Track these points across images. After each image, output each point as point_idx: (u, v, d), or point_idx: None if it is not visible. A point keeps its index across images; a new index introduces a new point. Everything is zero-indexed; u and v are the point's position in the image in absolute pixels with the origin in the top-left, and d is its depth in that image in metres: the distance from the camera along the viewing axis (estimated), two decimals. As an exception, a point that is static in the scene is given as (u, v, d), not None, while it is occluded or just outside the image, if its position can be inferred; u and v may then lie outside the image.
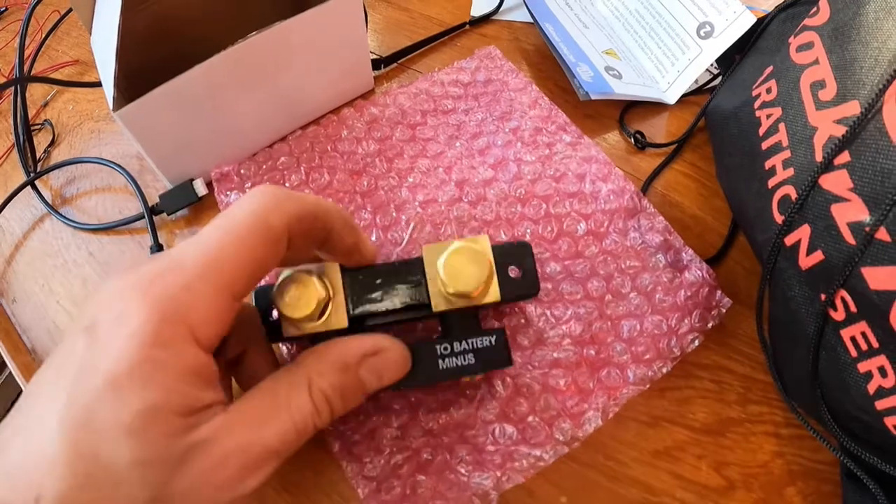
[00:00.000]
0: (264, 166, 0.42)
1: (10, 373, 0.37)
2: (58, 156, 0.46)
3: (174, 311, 0.21)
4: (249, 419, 0.23)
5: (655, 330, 0.35)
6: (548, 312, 0.36)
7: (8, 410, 0.22)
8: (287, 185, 0.41)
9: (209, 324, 0.22)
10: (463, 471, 0.31)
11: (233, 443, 0.22)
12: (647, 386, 0.34)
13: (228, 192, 0.41)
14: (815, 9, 0.31)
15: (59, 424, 0.20)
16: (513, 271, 0.31)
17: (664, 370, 0.34)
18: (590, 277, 0.37)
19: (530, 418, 0.33)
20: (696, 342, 0.35)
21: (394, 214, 0.40)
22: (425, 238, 0.39)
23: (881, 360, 0.25)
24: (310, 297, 0.27)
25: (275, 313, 0.29)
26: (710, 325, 0.35)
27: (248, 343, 0.28)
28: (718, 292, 0.36)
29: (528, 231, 0.39)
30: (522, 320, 0.36)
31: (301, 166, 0.42)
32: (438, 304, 0.29)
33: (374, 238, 0.39)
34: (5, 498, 0.19)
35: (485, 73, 0.47)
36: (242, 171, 0.42)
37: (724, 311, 0.36)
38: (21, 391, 0.37)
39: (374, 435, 0.32)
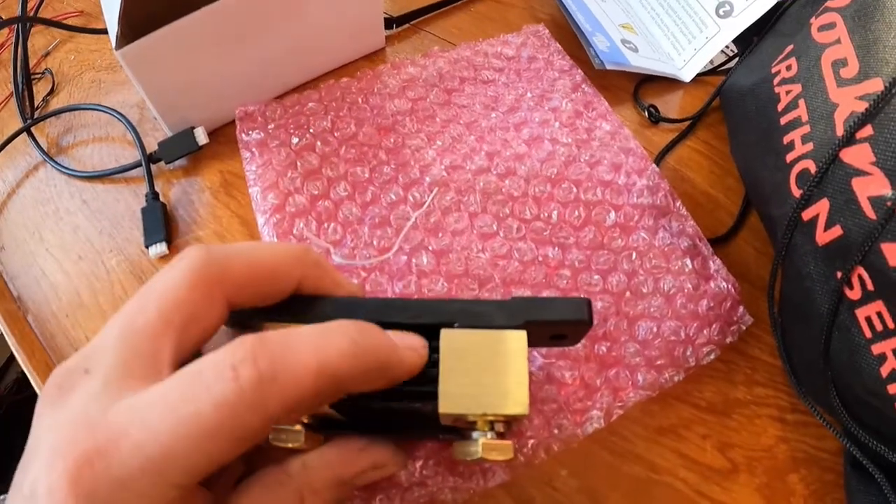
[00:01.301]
0: (290, 110, 0.41)
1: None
2: (56, 104, 0.45)
3: None
4: None
5: (672, 336, 0.34)
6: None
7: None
8: (311, 129, 0.40)
9: None
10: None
11: None
12: (656, 393, 0.33)
13: (250, 132, 0.40)
14: (836, -9, 0.31)
15: None
16: (554, 342, 0.26)
17: (675, 379, 0.33)
18: (611, 271, 0.36)
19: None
20: (713, 355, 0.34)
21: (417, 174, 0.39)
22: (447, 205, 0.37)
23: (896, 341, 0.24)
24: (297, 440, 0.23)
25: None
26: (728, 340, 0.34)
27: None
28: (741, 308, 0.35)
29: (556, 213, 0.37)
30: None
31: (328, 115, 0.41)
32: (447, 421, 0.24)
33: (392, 196, 0.38)
34: None
35: (530, 51, 0.46)
36: (268, 113, 0.41)
37: (744, 328, 0.34)
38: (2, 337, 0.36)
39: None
